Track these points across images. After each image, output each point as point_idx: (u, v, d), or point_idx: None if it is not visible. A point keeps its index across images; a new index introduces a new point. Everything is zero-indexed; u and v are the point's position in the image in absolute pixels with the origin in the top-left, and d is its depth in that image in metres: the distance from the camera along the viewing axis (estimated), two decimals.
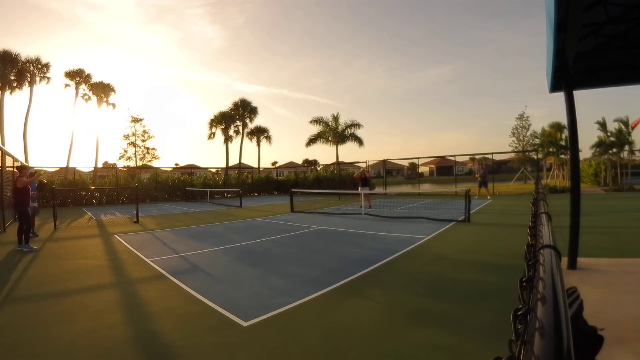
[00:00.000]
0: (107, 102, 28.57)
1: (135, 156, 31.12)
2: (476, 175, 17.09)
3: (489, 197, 15.91)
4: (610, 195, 16.10)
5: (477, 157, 40.00)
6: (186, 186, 22.80)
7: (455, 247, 5.90)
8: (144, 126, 31.76)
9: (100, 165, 30.17)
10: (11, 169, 10.96)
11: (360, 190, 12.52)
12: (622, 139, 22.70)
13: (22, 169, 6.98)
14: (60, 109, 72.27)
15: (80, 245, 6.93)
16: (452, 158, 23.17)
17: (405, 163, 59.81)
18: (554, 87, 4.76)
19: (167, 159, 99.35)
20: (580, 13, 3.18)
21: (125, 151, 31.01)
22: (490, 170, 21.91)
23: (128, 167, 29.39)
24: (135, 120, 31.35)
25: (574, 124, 4.26)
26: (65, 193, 17.93)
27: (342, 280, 4.12)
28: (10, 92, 24.47)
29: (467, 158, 53.96)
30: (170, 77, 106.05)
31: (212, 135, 29.83)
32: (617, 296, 3.23)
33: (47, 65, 25.60)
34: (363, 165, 24.89)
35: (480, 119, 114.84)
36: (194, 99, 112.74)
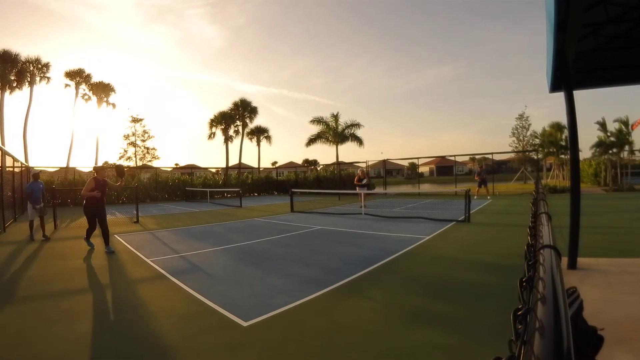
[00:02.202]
0: (107, 102, 28.63)
1: (135, 156, 31.17)
2: (476, 178, 16.80)
3: (488, 197, 15.88)
4: (610, 195, 16.11)
5: (477, 157, 40.00)
6: (186, 186, 22.80)
7: (455, 247, 5.90)
8: (144, 126, 31.85)
9: (100, 165, 30.18)
10: (11, 169, 10.97)
11: (358, 190, 12.67)
12: (622, 139, 22.70)
13: (101, 169, 6.59)
14: (60, 109, 72.32)
15: (80, 245, 6.92)
16: (452, 158, 23.19)
17: (405, 163, 59.86)
18: (554, 87, 4.76)
19: (167, 159, 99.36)
20: (580, 13, 3.17)
21: (125, 151, 31.09)
22: (489, 170, 21.92)
23: (128, 167, 29.39)
24: (135, 120, 31.41)
25: (574, 124, 4.26)
26: (65, 193, 17.93)
27: (342, 280, 4.12)
28: (10, 92, 24.51)
29: (467, 158, 53.94)
30: (170, 77, 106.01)
31: (212, 135, 29.87)
32: (617, 296, 3.23)
33: (47, 65, 25.65)
34: (363, 165, 24.92)
35: (480, 119, 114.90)
36: (194, 99, 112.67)
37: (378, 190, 22.24)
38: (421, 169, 60.41)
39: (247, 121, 30.97)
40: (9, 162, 10.41)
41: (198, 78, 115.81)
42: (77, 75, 27.22)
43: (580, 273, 3.99)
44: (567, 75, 4.24)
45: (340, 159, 25.47)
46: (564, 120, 13.92)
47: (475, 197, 15.18)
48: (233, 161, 33.01)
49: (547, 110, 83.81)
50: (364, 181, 13.42)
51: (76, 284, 4.30)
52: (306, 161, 57.02)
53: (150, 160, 31.57)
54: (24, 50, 48.69)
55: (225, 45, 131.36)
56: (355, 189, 13.87)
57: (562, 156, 27.85)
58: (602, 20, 3.64)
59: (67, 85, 27.12)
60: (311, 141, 25.43)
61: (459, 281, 4.03)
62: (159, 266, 5.00)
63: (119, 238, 7.46)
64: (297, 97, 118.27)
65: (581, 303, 0.88)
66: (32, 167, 13.12)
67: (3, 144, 20.56)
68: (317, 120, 24.62)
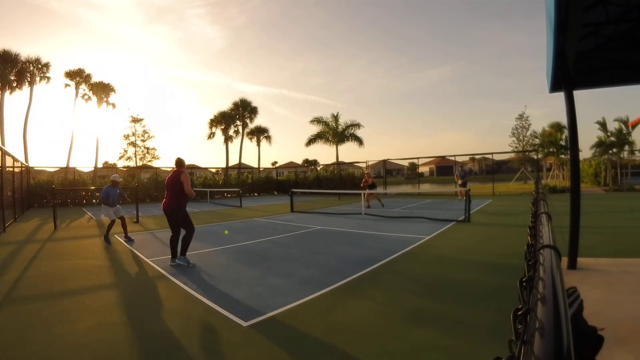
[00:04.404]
0: (107, 102, 28.59)
1: (135, 156, 31.13)
2: (457, 179, 15.53)
3: (459, 198, 14.93)
4: (610, 195, 16.10)
5: (477, 157, 40.01)
6: None
7: (455, 247, 5.90)
8: (144, 126, 31.79)
9: (100, 165, 30.17)
10: (11, 169, 10.97)
11: (367, 190, 12.87)
12: (622, 139, 22.67)
13: (183, 164, 5.30)
14: (60, 109, 72.40)
15: (80, 245, 6.93)
16: (452, 158, 23.16)
17: (405, 163, 59.85)
18: (554, 87, 4.76)
19: (167, 159, 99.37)
20: (580, 13, 3.17)
21: (125, 151, 31.03)
22: (489, 170, 21.88)
23: (128, 167, 29.37)
24: (135, 120, 31.36)
25: (574, 124, 4.26)
26: (65, 193, 17.93)
27: (342, 280, 4.12)
28: (10, 92, 24.48)
29: (467, 158, 53.91)
30: (170, 77, 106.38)
31: (212, 135, 29.90)
32: (617, 296, 3.23)
33: (47, 65, 25.63)
34: (363, 165, 24.92)
35: (480, 119, 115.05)
36: (194, 99, 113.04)
37: (378, 190, 22.22)
38: (421, 169, 60.42)
39: (247, 121, 31.00)
40: (9, 162, 10.40)
41: (198, 78, 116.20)
42: (77, 75, 27.19)
43: (580, 273, 3.99)
44: (567, 76, 4.23)
45: (340, 159, 25.46)
46: (564, 120, 13.82)
47: (459, 198, 14.69)
48: (233, 161, 33.04)
49: (547, 110, 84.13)
50: (369, 182, 13.54)
51: (76, 284, 4.29)
52: (306, 161, 57.04)
53: (150, 160, 31.53)
54: (24, 50, 48.69)
55: (225, 45, 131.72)
56: (358, 190, 13.93)
57: (562, 156, 27.83)
58: (602, 20, 3.64)
59: (67, 85, 27.11)
60: (311, 141, 25.41)
61: (459, 281, 4.03)
62: (159, 266, 5.00)
63: (119, 238, 7.46)
64: (297, 97, 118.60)
65: (581, 303, 0.88)
66: (116, 170, 12.24)
67: (3, 144, 20.56)
68: (317, 120, 24.60)
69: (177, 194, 5.03)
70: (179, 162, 5.28)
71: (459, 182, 15.18)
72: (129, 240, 7.17)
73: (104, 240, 6.99)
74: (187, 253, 5.15)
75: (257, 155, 35.14)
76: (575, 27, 3.29)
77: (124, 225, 7.38)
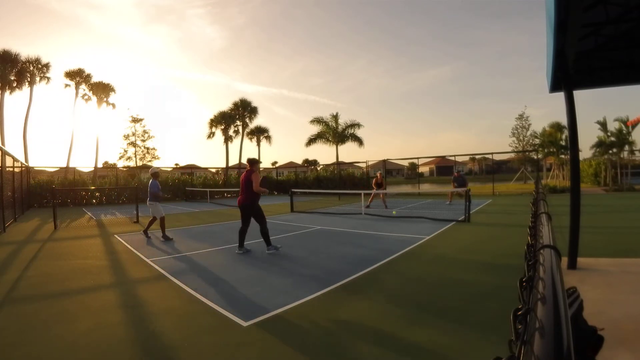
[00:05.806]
0: (107, 102, 28.55)
1: (135, 156, 31.16)
2: (453, 186, 14.32)
3: (448, 202, 14.53)
4: (611, 195, 16.10)
5: (477, 157, 40.05)
6: (186, 186, 22.81)
7: (455, 247, 5.90)
8: (144, 126, 31.83)
9: (100, 165, 30.16)
10: (11, 169, 10.97)
11: (376, 190, 13.04)
12: (622, 138, 22.68)
13: (255, 163, 5.85)
14: (60, 109, 72.50)
15: (80, 245, 6.93)
16: (452, 158, 23.17)
17: (405, 163, 59.85)
18: (554, 87, 4.76)
19: (167, 159, 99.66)
20: (580, 13, 3.17)
21: (125, 151, 31.06)
22: (489, 170, 21.89)
23: (128, 167, 29.38)
24: (135, 120, 31.39)
25: (574, 124, 4.26)
26: (65, 193, 17.93)
27: (342, 280, 4.12)
28: (10, 92, 24.43)
29: (467, 158, 53.98)
30: (170, 77, 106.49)
31: (212, 135, 29.87)
32: (617, 296, 3.23)
33: (47, 65, 25.57)
34: (363, 165, 24.93)
35: (479, 119, 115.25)
36: (194, 99, 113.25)
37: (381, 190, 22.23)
38: (421, 169, 60.44)
39: (247, 121, 30.96)
40: (9, 162, 10.40)
41: (198, 78, 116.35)
42: (77, 75, 27.16)
43: (580, 273, 3.99)
44: (567, 75, 4.23)
45: (340, 159, 25.47)
46: (564, 120, 13.75)
47: (448, 202, 14.38)
48: (233, 161, 33.01)
49: (547, 110, 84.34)
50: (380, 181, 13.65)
51: (76, 284, 4.29)
52: (306, 161, 57.05)
53: (150, 160, 31.57)
54: (24, 50, 48.70)
55: (225, 45, 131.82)
56: (358, 190, 13.99)
57: (562, 156, 27.85)
58: (602, 20, 3.64)
59: (67, 85, 27.06)
60: (311, 141, 25.44)
61: (459, 281, 4.03)
62: (159, 266, 5.00)
63: (118, 238, 7.46)
64: (297, 97, 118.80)
65: (581, 303, 0.88)
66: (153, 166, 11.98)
67: (3, 144, 20.54)
68: (317, 121, 24.64)
69: (250, 191, 5.67)
70: (251, 161, 5.81)
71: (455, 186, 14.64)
72: (166, 239, 7.09)
73: (144, 234, 7.53)
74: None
75: (257, 155, 35.16)
76: (575, 27, 3.29)
77: (162, 224, 7.38)
